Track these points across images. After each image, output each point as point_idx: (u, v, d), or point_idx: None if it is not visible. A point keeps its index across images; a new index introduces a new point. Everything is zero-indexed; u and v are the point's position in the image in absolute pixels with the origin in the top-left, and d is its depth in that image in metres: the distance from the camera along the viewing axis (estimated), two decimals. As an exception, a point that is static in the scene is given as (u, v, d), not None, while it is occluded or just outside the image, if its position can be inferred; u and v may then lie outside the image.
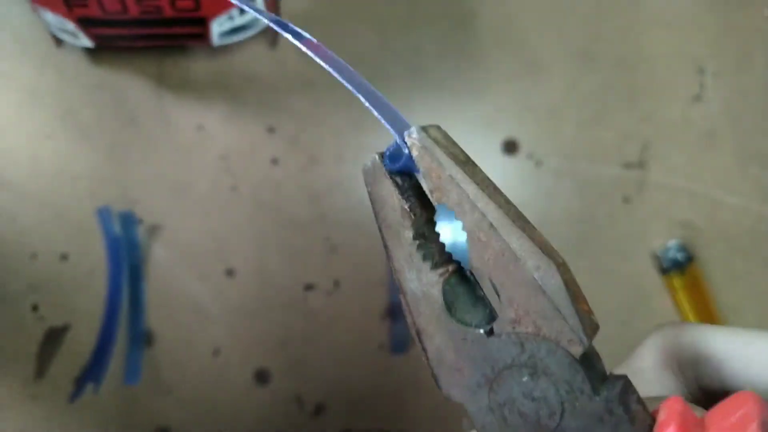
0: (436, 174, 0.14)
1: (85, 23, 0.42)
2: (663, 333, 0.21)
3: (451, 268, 0.15)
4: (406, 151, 0.15)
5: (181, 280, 0.48)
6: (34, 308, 0.47)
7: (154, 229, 0.48)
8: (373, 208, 0.16)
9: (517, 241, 0.13)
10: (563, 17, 0.50)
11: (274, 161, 0.48)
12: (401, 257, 0.15)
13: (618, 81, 0.50)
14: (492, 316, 0.15)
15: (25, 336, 0.47)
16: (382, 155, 0.16)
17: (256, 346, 0.48)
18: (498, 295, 0.14)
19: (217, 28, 0.44)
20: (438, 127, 0.15)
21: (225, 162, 0.48)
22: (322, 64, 0.17)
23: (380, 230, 0.15)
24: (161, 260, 0.48)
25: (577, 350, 0.13)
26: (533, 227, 0.14)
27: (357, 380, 0.49)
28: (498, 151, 0.49)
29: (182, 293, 0.48)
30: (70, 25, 0.43)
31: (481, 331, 0.14)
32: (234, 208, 0.48)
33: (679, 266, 0.47)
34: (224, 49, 0.48)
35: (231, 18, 0.44)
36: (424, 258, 0.15)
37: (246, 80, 0.49)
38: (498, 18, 0.50)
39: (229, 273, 0.48)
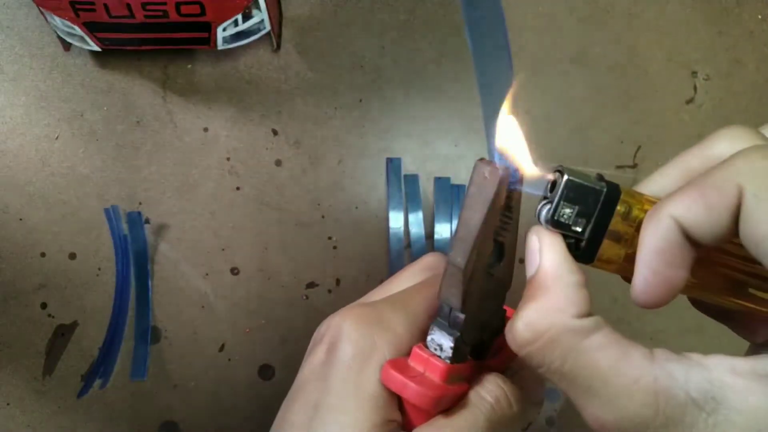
0: (517, 195, 0.24)
1: (92, 27, 0.43)
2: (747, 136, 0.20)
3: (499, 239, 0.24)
4: (518, 176, 0.23)
5: (187, 277, 0.48)
6: (43, 306, 0.48)
7: (160, 229, 0.48)
8: (490, 198, 0.22)
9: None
10: (559, 23, 0.51)
11: (278, 163, 0.49)
12: (489, 230, 0.22)
13: (612, 85, 0.50)
14: (493, 268, 0.24)
15: (34, 333, 0.47)
16: (508, 171, 0.22)
17: (260, 342, 0.48)
18: (502, 258, 0.24)
19: (222, 32, 0.44)
20: None
21: (230, 163, 0.49)
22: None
23: (487, 210, 0.22)
24: (168, 259, 0.48)
25: (509, 288, 0.26)
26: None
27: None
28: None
29: (188, 291, 0.48)
30: (78, 30, 0.43)
31: (490, 271, 0.24)
32: (238, 208, 0.49)
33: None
34: (228, 53, 0.49)
35: (236, 23, 0.44)
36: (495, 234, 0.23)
37: (250, 84, 0.49)
38: (495, 22, 0.51)
39: (234, 271, 0.49)
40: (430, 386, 0.23)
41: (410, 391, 0.23)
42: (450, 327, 0.24)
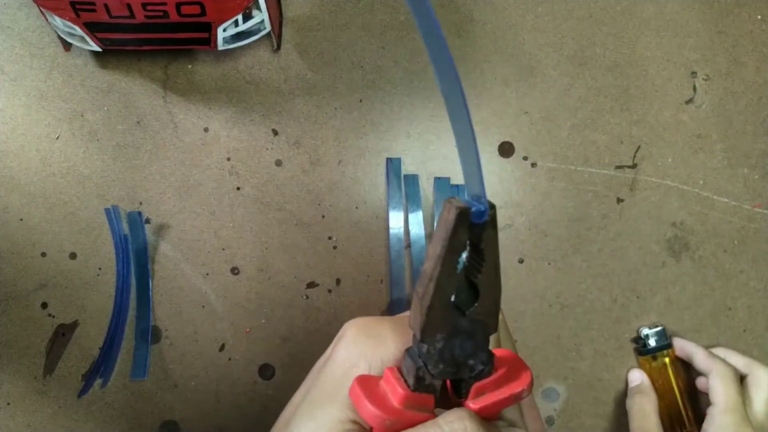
0: (488, 237, 0.24)
1: (93, 28, 0.43)
2: None
3: (464, 277, 0.24)
4: (485, 217, 0.23)
5: (188, 277, 0.48)
6: (44, 306, 0.48)
7: (161, 228, 0.48)
8: (447, 234, 0.22)
9: (499, 285, 0.25)
10: (558, 24, 0.51)
11: (278, 163, 0.49)
12: (448, 265, 0.23)
13: (611, 85, 0.51)
14: (467, 308, 0.24)
15: (34, 333, 0.48)
16: (468, 210, 0.22)
17: (260, 342, 0.49)
18: (478, 298, 0.24)
19: (222, 33, 0.44)
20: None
21: (230, 163, 0.49)
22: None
23: (443, 246, 0.23)
24: (168, 258, 0.48)
25: (492, 332, 0.25)
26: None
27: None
28: (494, 153, 0.50)
29: (188, 290, 0.48)
30: (78, 30, 0.43)
31: (459, 311, 0.24)
32: (239, 208, 0.49)
33: (655, 350, 0.49)
34: (229, 53, 0.49)
35: (236, 23, 0.44)
36: (457, 270, 0.24)
37: (250, 84, 0.49)
38: (495, 24, 0.51)
39: (234, 271, 0.49)
40: (386, 409, 0.24)
41: (365, 409, 0.24)
42: (417, 355, 0.25)
